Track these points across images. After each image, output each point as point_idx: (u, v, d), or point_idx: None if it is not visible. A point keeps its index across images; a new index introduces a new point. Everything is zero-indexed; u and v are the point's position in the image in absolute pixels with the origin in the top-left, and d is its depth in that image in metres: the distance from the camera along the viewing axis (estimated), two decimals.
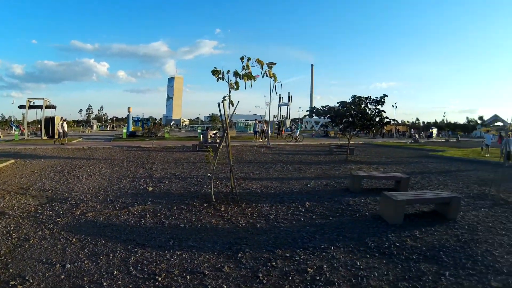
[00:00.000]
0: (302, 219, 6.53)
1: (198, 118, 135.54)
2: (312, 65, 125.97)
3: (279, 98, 75.81)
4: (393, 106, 73.89)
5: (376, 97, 16.85)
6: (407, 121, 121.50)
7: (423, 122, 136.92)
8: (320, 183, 10.42)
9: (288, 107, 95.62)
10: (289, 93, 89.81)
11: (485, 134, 28.11)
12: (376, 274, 4.23)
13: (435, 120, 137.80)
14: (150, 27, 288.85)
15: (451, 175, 13.32)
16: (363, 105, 16.90)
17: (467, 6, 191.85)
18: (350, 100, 17.32)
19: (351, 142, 18.71)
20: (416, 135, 52.50)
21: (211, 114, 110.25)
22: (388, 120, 17.41)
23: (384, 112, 16.87)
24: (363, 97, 17.15)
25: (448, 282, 4.10)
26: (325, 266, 4.42)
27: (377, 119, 16.88)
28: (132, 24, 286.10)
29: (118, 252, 4.64)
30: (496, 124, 74.49)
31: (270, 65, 22.90)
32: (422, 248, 5.17)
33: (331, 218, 6.69)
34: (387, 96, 16.68)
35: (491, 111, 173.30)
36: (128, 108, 36.25)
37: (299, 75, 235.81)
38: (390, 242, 5.38)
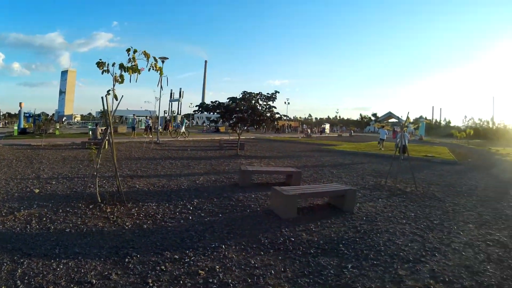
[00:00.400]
0: (190, 218, 6.41)
1: (90, 113, 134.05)
2: (206, 61, 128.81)
3: (170, 93, 78.39)
4: (285, 102, 77.92)
5: (267, 93, 18.15)
6: (300, 117, 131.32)
7: (316, 118, 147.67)
8: (209, 179, 10.56)
9: (180, 102, 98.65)
10: (180, 88, 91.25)
11: (380, 129, 31.75)
12: (273, 272, 4.15)
13: (328, 116, 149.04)
14: (47, 15, 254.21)
15: (345, 168, 14.39)
16: (253, 101, 18.03)
17: (357, 7, 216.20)
18: (241, 96, 18.21)
19: (242, 137, 19.43)
20: (309, 130, 56.71)
21: (101, 110, 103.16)
22: (279, 115, 18.91)
23: (275, 107, 18.31)
24: (253, 93, 18.20)
25: (352, 274, 4.17)
26: (217, 266, 4.27)
27: (268, 115, 18.18)
28: (29, 11, 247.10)
29: (5, 264, 4.20)
30: (390, 120, 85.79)
31: (163, 59, 23.84)
32: (320, 242, 5.29)
33: (220, 215, 6.65)
34: (278, 92, 18.18)
35: (385, 108, 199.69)
36: (20, 103, 35.10)
37: (194, 71, 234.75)
38: (285, 238, 5.44)
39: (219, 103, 18.73)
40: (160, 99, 26.73)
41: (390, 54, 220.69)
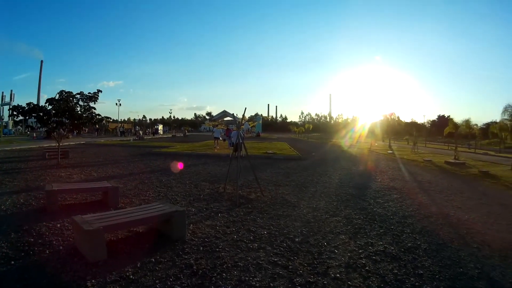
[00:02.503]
0: None
1: None
2: (41, 61, 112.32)
3: (1, 96, 70.53)
4: (116, 104, 75.71)
5: (89, 93, 16.78)
6: (133, 119, 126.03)
7: (150, 119, 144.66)
8: (18, 201, 8.16)
9: (10, 106, 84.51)
10: (11, 90, 78.73)
11: (214, 128, 31.44)
12: None
13: (163, 116, 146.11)
14: None
15: (176, 174, 12.65)
16: (74, 102, 16.49)
17: (192, 7, 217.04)
18: (57, 96, 16.35)
19: (72, 142, 17.74)
20: (141, 132, 53.75)
21: None
22: (100, 117, 17.61)
23: (95, 109, 17.03)
24: (72, 92, 16.49)
25: None
26: None
27: (88, 117, 16.81)
28: None
29: None
30: (226, 118, 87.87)
31: None
32: None
33: (13, 262, 4.57)
34: (101, 91, 17.05)
35: (219, 107, 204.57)
36: None
37: (29, 72, 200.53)
38: None
39: (35, 105, 16.42)
40: None
41: (224, 55, 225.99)
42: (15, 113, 15.76)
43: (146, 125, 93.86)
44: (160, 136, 61.61)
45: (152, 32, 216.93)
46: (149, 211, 5.55)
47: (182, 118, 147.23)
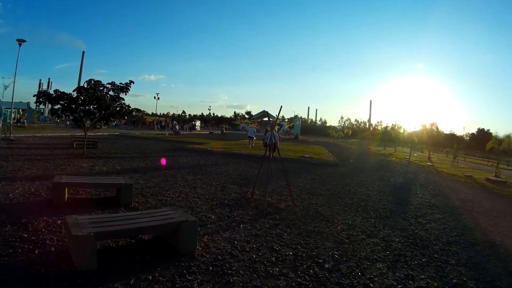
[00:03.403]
0: None
1: None
2: (83, 52, 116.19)
3: (39, 83, 72.20)
4: (155, 97, 74.82)
5: (121, 83, 15.86)
6: (173, 114, 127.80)
7: (190, 115, 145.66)
8: (28, 190, 7.70)
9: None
10: (49, 78, 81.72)
11: (248, 127, 31.12)
12: None
13: (202, 113, 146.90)
14: None
15: (205, 173, 11.96)
16: (104, 91, 15.72)
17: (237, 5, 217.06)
18: (85, 85, 15.63)
19: (105, 133, 16.95)
20: (177, 126, 53.78)
21: None
22: (130, 109, 16.64)
23: (123, 99, 16.14)
24: (101, 81, 15.79)
25: None
26: None
27: (117, 108, 15.95)
28: None
29: None
30: (265, 119, 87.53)
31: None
32: None
33: None
34: (133, 82, 16.12)
35: (260, 107, 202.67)
36: None
37: (71, 62, 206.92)
38: None
39: (62, 92, 15.58)
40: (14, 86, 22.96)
41: (268, 55, 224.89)
42: (41, 99, 15.20)
43: (184, 120, 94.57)
44: (197, 132, 61.62)
45: (196, 28, 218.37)
46: (154, 218, 4.74)
47: (221, 116, 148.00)
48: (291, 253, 4.86)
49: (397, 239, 6.03)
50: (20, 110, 52.41)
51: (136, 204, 6.97)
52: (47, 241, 4.74)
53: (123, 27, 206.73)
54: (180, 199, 7.74)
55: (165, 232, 4.85)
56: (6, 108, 31.29)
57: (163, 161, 14.57)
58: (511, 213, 9.99)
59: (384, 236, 6.15)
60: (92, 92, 15.07)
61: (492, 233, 7.26)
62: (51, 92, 16.31)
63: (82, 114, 15.61)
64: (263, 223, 6.29)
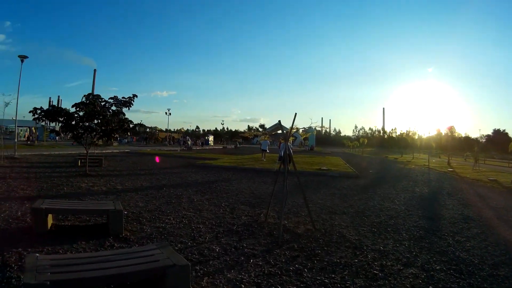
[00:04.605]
0: None
1: None
2: (95, 70, 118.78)
3: (49, 101, 75.92)
4: (166, 113, 74.01)
5: (123, 98, 15.31)
6: (186, 129, 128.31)
7: (203, 130, 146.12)
8: (15, 214, 7.12)
9: None
10: (59, 96, 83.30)
11: (258, 139, 30.57)
12: None
13: (216, 128, 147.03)
14: None
15: (214, 192, 10.99)
16: (105, 106, 15.16)
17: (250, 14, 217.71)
18: (83, 99, 14.99)
19: (115, 150, 16.23)
20: (189, 142, 53.26)
21: None
22: (132, 125, 16.14)
23: (124, 114, 15.60)
24: (100, 96, 15.34)
25: None
26: None
27: (120, 124, 15.37)
28: None
29: None
30: (280, 131, 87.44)
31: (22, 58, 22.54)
32: None
33: None
34: (136, 96, 15.54)
35: (273, 120, 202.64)
36: None
37: (82, 80, 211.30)
38: None
39: (60, 108, 15.11)
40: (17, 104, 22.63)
41: (278, 68, 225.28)
42: (36, 115, 14.26)
43: (197, 136, 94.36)
44: (210, 147, 61.00)
45: (206, 43, 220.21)
46: (134, 261, 3.65)
47: (235, 130, 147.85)
48: None
49: (438, 267, 5.00)
50: (33, 128, 52.55)
51: (128, 234, 5.95)
52: (13, 280, 3.92)
53: (133, 44, 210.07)
54: (181, 226, 6.68)
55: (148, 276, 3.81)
56: (18, 127, 31.16)
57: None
58: None
59: (423, 264, 5.10)
60: (92, 107, 14.34)
61: None
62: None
63: (82, 131, 14.97)
64: (278, 255, 5.20)
